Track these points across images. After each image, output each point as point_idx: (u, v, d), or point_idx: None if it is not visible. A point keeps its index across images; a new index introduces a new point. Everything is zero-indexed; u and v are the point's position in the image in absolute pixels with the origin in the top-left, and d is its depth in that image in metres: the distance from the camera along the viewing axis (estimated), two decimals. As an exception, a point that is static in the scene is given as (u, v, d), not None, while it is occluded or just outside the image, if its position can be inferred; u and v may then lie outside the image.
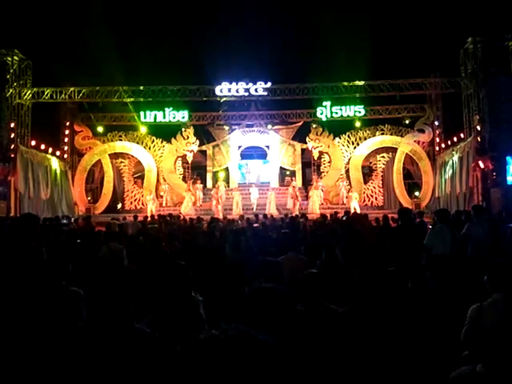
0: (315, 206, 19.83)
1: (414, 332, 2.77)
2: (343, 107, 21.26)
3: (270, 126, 23.22)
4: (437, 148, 22.28)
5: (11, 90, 19.71)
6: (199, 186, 21.92)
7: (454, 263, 6.09)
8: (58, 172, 21.53)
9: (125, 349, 1.95)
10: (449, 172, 20.16)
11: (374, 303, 2.80)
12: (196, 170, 24.55)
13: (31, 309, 2.95)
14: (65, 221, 14.59)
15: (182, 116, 21.72)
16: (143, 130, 22.34)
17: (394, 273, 4.75)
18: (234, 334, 0.76)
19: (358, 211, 17.05)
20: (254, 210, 19.55)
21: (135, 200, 23.07)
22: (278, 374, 0.73)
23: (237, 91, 20.65)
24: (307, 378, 2.06)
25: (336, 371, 2.70)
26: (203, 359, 0.72)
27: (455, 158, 19.57)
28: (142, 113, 21.70)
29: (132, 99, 21.01)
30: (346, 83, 20.54)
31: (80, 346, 1.97)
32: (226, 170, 24.31)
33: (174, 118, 21.70)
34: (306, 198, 21.11)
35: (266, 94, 20.81)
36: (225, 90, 20.62)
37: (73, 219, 15.50)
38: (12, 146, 18.78)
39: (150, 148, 23.02)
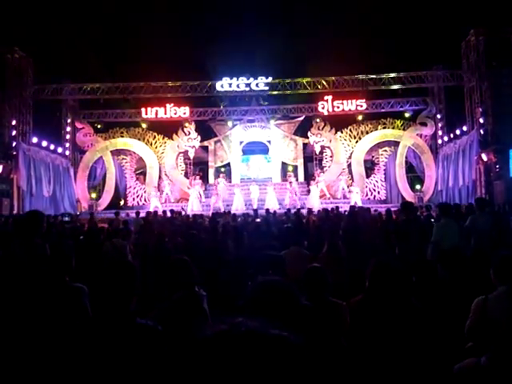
0: (314, 201, 19.76)
1: (421, 326, 2.77)
2: (345, 101, 21.19)
3: (271, 121, 23.18)
4: (439, 141, 22.20)
5: (12, 88, 19.70)
6: (197, 181, 21.57)
7: (463, 255, 6.07)
8: (60, 169, 21.55)
9: (127, 343, 1.96)
10: (451, 165, 20.09)
11: (386, 296, 2.80)
12: (198, 166, 24.55)
13: (34, 305, 2.96)
14: (66, 218, 14.64)
15: (183, 112, 21.69)
16: (144, 126, 22.37)
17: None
18: (248, 330, 0.69)
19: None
20: (255, 206, 19.50)
21: (138, 196, 23.10)
22: (292, 371, 0.66)
23: (238, 86, 20.61)
24: (317, 374, 2.06)
25: (341, 366, 2.70)
26: (215, 357, 0.65)
27: (458, 151, 19.50)
28: (143, 109, 21.68)
29: (133, 95, 20.99)
30: (347, 77, 20.46)
31: (82, 342, 1.98)
32: (228, 165, 24.30)
33: (175, 113, 21.69)
34: (308, 192, 21.09)
35: (267, 88, 20.76)
36: (226, 85, 20.58)
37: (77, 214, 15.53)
38: (14, 144, 18.81)
39: (151, 144, 23.02)
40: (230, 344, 0.67)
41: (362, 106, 21.33)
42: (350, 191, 20.96)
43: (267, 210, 13.38)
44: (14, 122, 19.42)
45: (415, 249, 6.06)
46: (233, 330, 0.70)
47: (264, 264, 2.92)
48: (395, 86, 20.44)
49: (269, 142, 23.86)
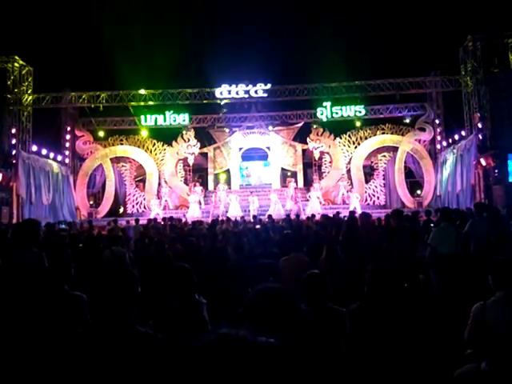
0: (315, 207, 19.70)
1: (420, 331, 2.77)
2: (343, 107, 21.26)
3: (270, 128, 23.21)
4: (438, 146, 22.25)
5: (12, 96, 19.77)
6: (198, 188, 21.59)
7: (459, 262, 6.07)
8: (60, 177, 21.55)
9: (127, 351, 1.95)
10: (450, 170, 20.12)
11: (385, 301, 2.80)
12: (197, 173, 24.58)
13: (33, 313, 2.96)
14: (63, 226, 14.60)
15: (182, 119, 21.76)
16: (144, 133, 22.39)
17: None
18: (234, 340, 0.71)
19: (359, 211, 16.99)
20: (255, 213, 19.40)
21: (137, 203, 23.10)
22: (282, 377, 0.68)
23: (237, 93, 20.68)
24: (312, 380, 2.06)
25: (341, 372, 2.70)
26: (202, 368, 0.67)
27: (456, 155, 19.53)
28: (142, 116, 21.74)
29: (133, 103, 21.06)
30: (345, 83, 20.55)
31: (81, 351, 1.97)
32: (228, 171, 24.32)
33: (174, 121, 21.76)
34: (307, 198, 21.07)
35: (265, 95, 20.82)
36: (225, 92, 20.66)
37: (77, 222, 15.51)
38: (13, 152, 18.84)
39: (151, 151, 23.06)
40: (218, 354, 0.68)
41: (360, 112, 21.40)
42: (348, 196, 20.95)
43: (269, 216, 13.26)
44: (13, 131, 19.47)
45: (405, 256, 6.10)
46: (221, 340, 0.71)
47: (259, 272, 2.92)
48: (393, 92, 20.51)
49: (268, 148, 23.90)
